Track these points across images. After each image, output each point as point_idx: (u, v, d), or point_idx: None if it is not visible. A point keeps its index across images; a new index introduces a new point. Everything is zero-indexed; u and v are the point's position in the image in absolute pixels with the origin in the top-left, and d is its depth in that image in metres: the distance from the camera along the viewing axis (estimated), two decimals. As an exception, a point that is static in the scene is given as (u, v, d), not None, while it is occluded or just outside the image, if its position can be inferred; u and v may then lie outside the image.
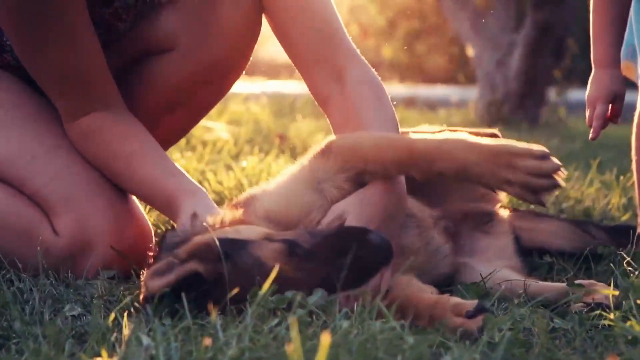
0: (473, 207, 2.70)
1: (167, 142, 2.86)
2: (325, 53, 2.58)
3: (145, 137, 2.57)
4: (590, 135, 3.00)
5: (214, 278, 2.00)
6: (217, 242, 2.01)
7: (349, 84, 2.54)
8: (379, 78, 2.59)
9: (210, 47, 2.64)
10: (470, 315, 1.97)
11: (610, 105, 2.98)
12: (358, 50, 2.64)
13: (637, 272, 2.59)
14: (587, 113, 2.99)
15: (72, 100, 2.56)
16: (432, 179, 2.20)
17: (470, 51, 9.90)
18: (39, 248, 2.46)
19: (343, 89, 2.53)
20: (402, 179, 2.29)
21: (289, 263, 2.02)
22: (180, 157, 4.52)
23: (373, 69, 2.61)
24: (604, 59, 3.01)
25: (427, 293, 2.23)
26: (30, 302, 2.18)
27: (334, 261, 2.01)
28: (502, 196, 2.75)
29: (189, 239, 2.10)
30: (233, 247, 2.04)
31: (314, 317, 1.96)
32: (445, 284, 2.50)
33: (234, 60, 2.70)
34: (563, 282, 2.48)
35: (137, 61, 2.72)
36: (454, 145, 2.15)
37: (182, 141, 4.63)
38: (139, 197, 2.63)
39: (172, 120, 2.81)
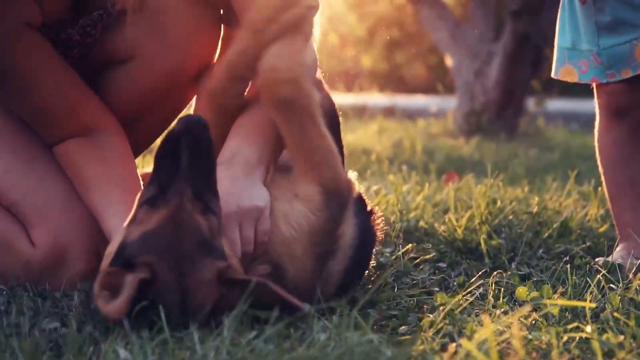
0: None
1: (137, 148, 2.88)
2: None
3: (109, 166, 2.61)
4: None
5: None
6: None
7: None
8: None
9: (167, 56, 2.66)
10: None
11: None
12: None
13: (612, 284, 2.61)
14: None
15: (46, 131, 2.63)
16: None
17: (449, 61, 9.92)
18: (19, 261, 2.46)
19: None
20: None
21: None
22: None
23: None
24: None
25: None
26: (9, 315, 2.17)
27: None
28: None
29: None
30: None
31: (292, 330, 1.96)
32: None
33: (194, 69, 2.70)
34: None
35: (98, 71, 2.73)
36: None
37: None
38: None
39: (141, 127, 2.82)
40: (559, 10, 3.15)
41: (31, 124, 2.63)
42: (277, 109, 2.30)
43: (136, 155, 2.86)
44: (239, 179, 2.31)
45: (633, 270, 2.80)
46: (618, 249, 3.05)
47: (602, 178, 3.14)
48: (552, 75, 3.17)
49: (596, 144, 3.12)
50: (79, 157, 2.59)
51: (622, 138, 3.03)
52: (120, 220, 2.32)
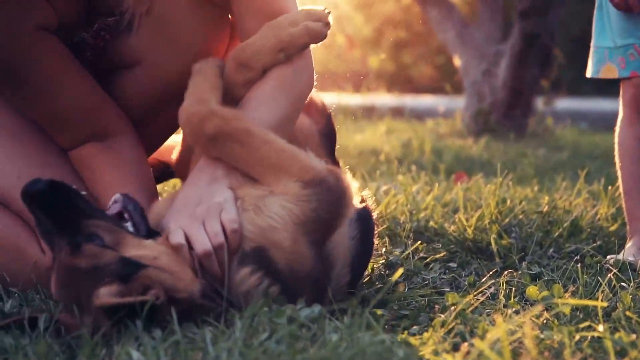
0: None
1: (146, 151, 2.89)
2: None
3: (126, 170, 2.63)
4: None
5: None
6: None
7: None
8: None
9: (175, 60, 2.67)
10: None
11: None
12: None
13: (623, 283, 2.61)
14: None
15: (61, 135, 2.63)
16: None
17: (457, 61, 9.91)
18: (30, 266, 2.47)
19: None
20: None
21: None
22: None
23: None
24: None
25: None
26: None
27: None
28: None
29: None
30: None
31: (304, 330, 1.96)
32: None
33: None
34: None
35: (106, 76, 2.73)
36: None
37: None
38: None
39: (147, 131, 2.82)
40: (595, 10, 3.22)
41: (47, 129, 2.63)
42: (213, 146, 2.34)
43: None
44: (200, 187, 2.32)
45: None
46: (629, 245, 3.06)
47: (619, 173, 3.17)
48: (590, 75, 3.28)
49: (616, 139, 3.17)
50: (97, 162, 2.61)
51: None
52: None
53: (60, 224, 2.13)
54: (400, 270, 2.37)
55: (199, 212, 2.25)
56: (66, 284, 2.12)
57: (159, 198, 2.69)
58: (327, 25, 2.56)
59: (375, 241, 2.64)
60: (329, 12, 2.59)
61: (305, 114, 2.69)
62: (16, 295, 2.37)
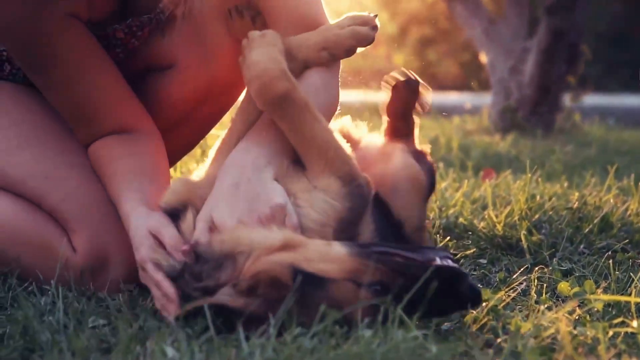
0: None
1: (173, 155, 2.92)
2: None
3: (138, 159, 2.61)
4: None
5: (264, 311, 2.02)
6: (292, 279, 2.03)
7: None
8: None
9: (207, 65, 2.71)
10: None
11: None
12: None
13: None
14: None
15: (83, 127, 2.62)
16: None
17: (483, 58, 9.88)
18: (60, 263, 2.48)
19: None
20: None
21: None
22: (196, 167, 4.53)
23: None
24: None
25: None
26: (54, 314, 2.18)
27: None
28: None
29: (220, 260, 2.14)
30: (309, 285, 2.04)
31: (337, 327, 1.96)
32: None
33: (232, 78, 2.74)
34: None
35: (136, 78, 2.75)
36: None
37: (197, 151, 4.64)
38: None
39: (177, 135, 2.84)
40: None
41: (70, 121, 2.63)
42: (278, 107, 2.33)
43: (171, 164, 2.89)
44: (250, 181, 2.30)
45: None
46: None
47: None
48: None
49: None
50: (110, 152, 2.60)
51: None
52: (132, 206, 2.41)
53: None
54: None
55: (263, 219, 2.23)
56: None
57: None
58: (375, 28, 2.60)
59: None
60: (376, 16, 2.61)
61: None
62: (49, 292, 2.38)
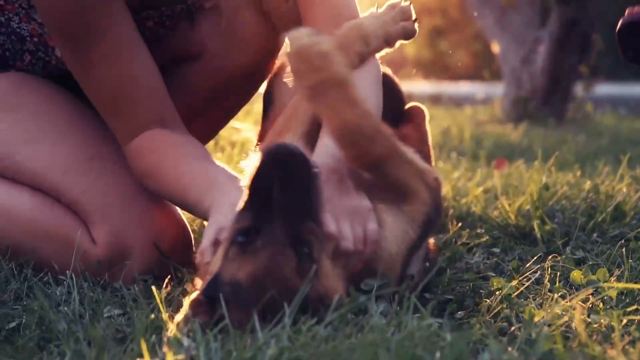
0: None
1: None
2: None
3: (194, 147, 2.55)
4: None
5: None
6: None
7: None
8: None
9: (235, 54, 2.73)
10: None
11: None
12: None
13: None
14: None
15: (124, 120, 2.54)
16: None
17: (495, 48, 9.87)
18: (78, 255, 2.49)
19: None
20: None
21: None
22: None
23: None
24: None
25: None
26: (70, 304, 2.20)
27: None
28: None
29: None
30: None
31: (352, 315, 1.96)
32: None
33: (259, 66, 2.76)
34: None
35: (165, 66, 2.74)
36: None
37: (211, 142, 4.65)
38: (183, 204, 2.55)
39: (202, 123, 2.86)
40: None
41: (109, 115, 2.55)
42: (320, 91, 2.11)
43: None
44: (345, 179, 2.23)
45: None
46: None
47: None
48: None
49: None
50: (166, 139, 2.52)
51: None
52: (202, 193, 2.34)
53: (295, 212, 1.99)
54: (443, 256, 2.38)
55: (351, 210, 2.17)
56: (259, 293, 1.93)
57: None
58: (415, 21, 2.63)
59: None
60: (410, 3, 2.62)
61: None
62: (65, 282, 2.40)
